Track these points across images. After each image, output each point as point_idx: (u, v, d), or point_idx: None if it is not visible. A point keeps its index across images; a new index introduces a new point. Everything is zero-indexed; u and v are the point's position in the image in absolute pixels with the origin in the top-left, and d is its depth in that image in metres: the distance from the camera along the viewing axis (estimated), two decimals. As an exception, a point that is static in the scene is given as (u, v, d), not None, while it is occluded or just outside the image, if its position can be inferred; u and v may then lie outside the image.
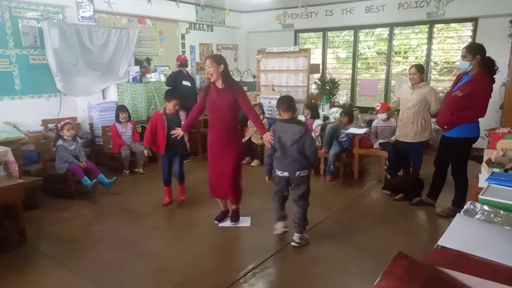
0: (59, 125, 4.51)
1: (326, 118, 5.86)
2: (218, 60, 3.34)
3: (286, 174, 3.17)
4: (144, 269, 2.95)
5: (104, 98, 6.01)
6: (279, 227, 3.41)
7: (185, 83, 6.13)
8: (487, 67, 3.43)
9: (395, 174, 4.78)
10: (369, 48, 7.65)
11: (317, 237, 3.44)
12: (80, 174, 4.35)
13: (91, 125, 5.76)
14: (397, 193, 4.39)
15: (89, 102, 5.76)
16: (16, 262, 3.04)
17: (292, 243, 3.24)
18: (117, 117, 5.42)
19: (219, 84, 3.38)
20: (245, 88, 7.42)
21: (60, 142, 4.41)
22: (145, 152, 4.18)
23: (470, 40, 6.32)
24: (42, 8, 5.31)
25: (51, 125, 5.32)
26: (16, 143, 4.25)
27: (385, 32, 7.27)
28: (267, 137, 3.21)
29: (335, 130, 5.29)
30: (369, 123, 5.42)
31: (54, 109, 5.51)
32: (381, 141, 5.01)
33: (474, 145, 3.71)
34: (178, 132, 3.75)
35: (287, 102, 3.23)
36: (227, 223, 3.71)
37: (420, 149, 4.54)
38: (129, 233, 3.54)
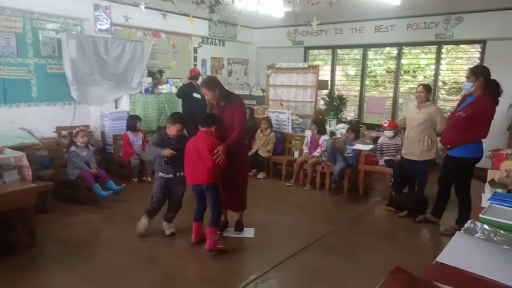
0: (73, 132, 4.64)
1: (332, 133, 5.92)
2: (212, 86, 3.44)
3: None
4: (148, 276, 3.01)
5: (116, 107, 6.15)
6: None
7: (195, 95, 6.24)
8: (491, 89, 3.49)
9: (400, 191, 4.79)
10: (379, 66, 7.74)
11: (319, 251, 3.48)
12: (90, 180, 4.44)
13: (102, 133, 5.89)
14: (401, 210, 4.40)
15: (102, 111, 5.91)
16: (26, 264, 3.13)
17: None
18: (128, 126, 5.54)
19: (221, 103, 3.52)
20: (254, 102, 7.55)
21: (73, 148, 4.53)
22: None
23: (478, 61, 6.38)
24: (62, 20, 5.51)
25: (64, 132, 5.45)
26: (30, 148, 4.37)
27: (394, 51, 7.36)
28: None
29: (335, 145, 5.34)
30: (375, 140, 5.46)
31: (68, 117, 5.66)
32: (386, 158, 5.04)
33: (479, 165, 3.74)
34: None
35: None
36: (231, 233, 3.75)
37: (425, 168, 4.55)
38: (135, 239, 3.60)
